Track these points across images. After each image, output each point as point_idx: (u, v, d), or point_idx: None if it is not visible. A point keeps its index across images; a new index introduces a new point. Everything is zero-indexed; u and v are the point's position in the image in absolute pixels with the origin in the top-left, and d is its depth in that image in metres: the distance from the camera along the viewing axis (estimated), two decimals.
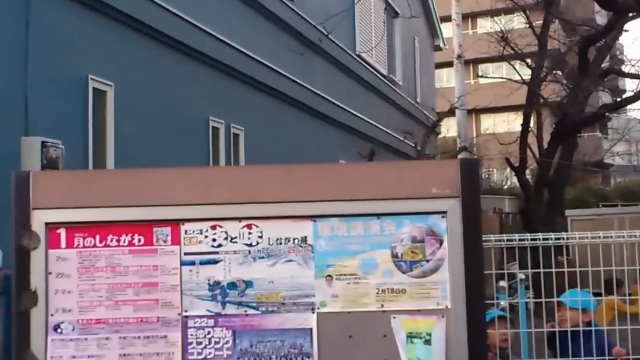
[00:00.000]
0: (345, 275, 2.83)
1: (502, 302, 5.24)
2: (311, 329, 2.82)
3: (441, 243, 2.83)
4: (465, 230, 2.80)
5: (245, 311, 2.85)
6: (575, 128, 17.27)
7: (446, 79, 38.01)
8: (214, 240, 2.87)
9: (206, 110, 8.03)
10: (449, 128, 27.53)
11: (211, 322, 2.85)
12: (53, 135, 5.23)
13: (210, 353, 2.83)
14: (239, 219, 2.88)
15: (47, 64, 5.68)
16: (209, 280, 2.86)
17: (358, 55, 14.38)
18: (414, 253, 2.83)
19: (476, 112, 36.64)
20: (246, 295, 2.85)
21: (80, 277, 2.87)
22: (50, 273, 2.86)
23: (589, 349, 3.80)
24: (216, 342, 2.84)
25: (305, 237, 2.86)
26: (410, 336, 2.79)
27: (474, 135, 31.60)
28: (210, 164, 7.97)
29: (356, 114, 13.25)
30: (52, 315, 2.84)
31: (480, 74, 39.44)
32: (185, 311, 2.85)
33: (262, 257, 2.86)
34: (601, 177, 41.04)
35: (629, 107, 20.93)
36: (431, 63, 23.55)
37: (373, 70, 15.43)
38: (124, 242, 2.88)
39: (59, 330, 2.83)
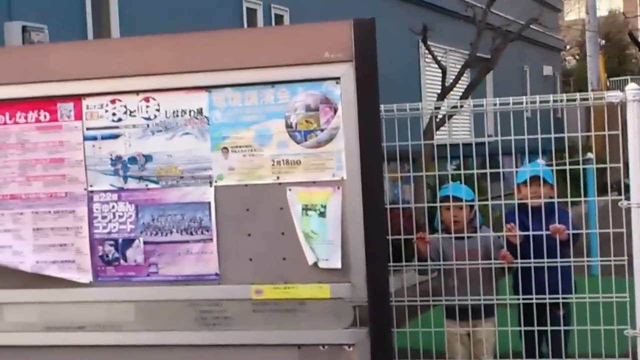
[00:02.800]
0: (240, 147, 2.73)
1: None
2: (209, 203, 2.76)
3: (336, 111, 2.64)
4: (360, 97, 2.59)
5: (147, 185, 2.82)
6: None
7: None
8: (114, 114, 2.83)
9: None
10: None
11: (115, 196, 2.84)
12: (44, 21, 5.19)
13: (115, 227, 2.85)
14: (137, 92, 2.80)
15: None
16: (111, 155, 2.83)
17: None
18: (308, 122, 2.67)
19: None
20: (146, 170, 2.81)
21: None
22: None
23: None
24: (120, 216, 2.84)
25: (201, 108, 2.75)
26: (306, 208, 2.68)
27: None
28: None
29: None
30: None
31: None
32: (91, 186, 2.86)
33: (160, 131, 2.79)
34: None
35: None
36: None
37: None
38: (32, 118, 2.89)
39: None
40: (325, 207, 2.66)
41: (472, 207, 3.68)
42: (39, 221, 2.90)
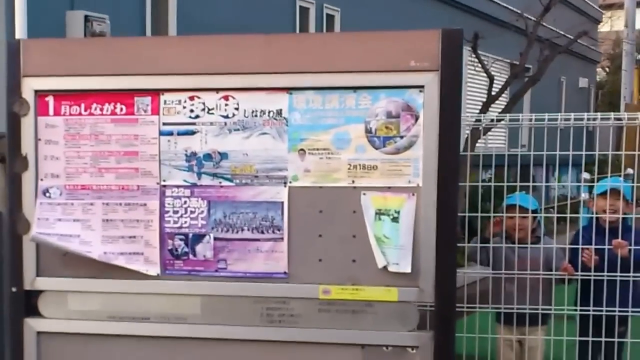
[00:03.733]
0: (318, 149, 2.76)
1: (583, 194, 4.99)
2: (282, 203, 2.79)
3: (417, 119, 2.68)
4: (442, 107, 2.63)
5: (220, 182, 2.85)
6: None
7: None
8: (191, 111, 2.86)
9: None
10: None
11: (187, 192, 2.87)
12: (106, 11, 5.27)
13: (186, 222, 2.88)
14: (217, 89, 2.83)
15: None
16: (186, 150, 2.86)
17: None
18: (388, 129, 2.70)
19: None
20: (221, 167, 2.84)
21: (67, 144, 2.94)
22: (40, 139, 2.95)
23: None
24: (192, 212, 2.87)
25: (280, 109, 2.79)
26: (379, 213, 2.72)
27: None
28: None
29: None
30: (41, 180, 2.95)
31: None
32: (164, 180, 2.89)
33: (238, 129, 2.82)
34: None
35: None
36: None
37: None
38: (107, 111, 2.92)
39: (47, 194, 2.94)
40: (398, 212, 2.70)
41: (535, 216, 3.76)
42: (109, 212, 2.92)
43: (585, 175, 3.87)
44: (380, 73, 2.67)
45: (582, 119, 3.47)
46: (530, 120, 3.49)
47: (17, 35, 4.92)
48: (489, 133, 11.03)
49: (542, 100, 14.91)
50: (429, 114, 2.64)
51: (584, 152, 3.48)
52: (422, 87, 2.65)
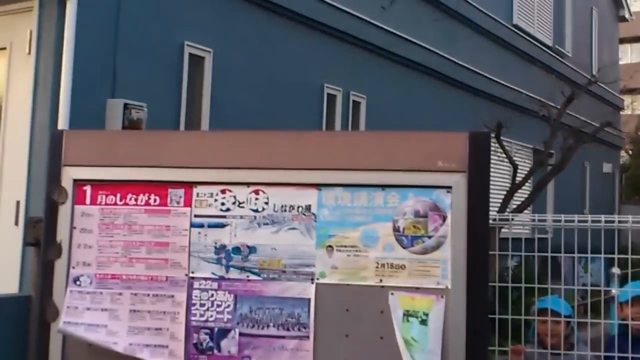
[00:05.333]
0: (345, 246, 2.76)
1: (613, 291, 4.87)
2: (309, 300, 2.77)
3: (444, 219, 2.67)
4: (470, 208, 2.62)
5: (248, 276, 2.85)
6: None
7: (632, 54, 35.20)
8: (222, 204, 2.89)
9: (320, 77, 7.97)
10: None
11: (215, 284, 2.88)
12: (144, 99, 5.47)
13: (212, 316, 2.87)
14: (248, 184, 2.87)
15: (140, 30, 5.88)
16: (215, 243, 2.89)
17: (515, 25, 13.73)
18: (416, 228, 2.69)
19: None
20: (249, 261, 2.85)
21: (101, 233, 2.99)
22: (75, 227, 3.01)
23: None
24: (218, 305, 2.87)
25: (310, 205, 2.80)
26: (407, 314, 2.67)
27: None
28: None
29: (507, 84, 12.71)
30: (73, 267, 2.99)
31: None
32: (192, 272, 2.90)
33: (267, 224, 2.84)
34: None
35: None
36: (614, 35, 21.85)
37: (533, 41, 14.67)
38: (141, 201, 2.97)
39: (78, 282, 2.98)
40: (427, 315, 2.65)
41: (569, 322, 3.65)
42: (137, 303, 2.94)
43: (616, 270, 3.76)
44: (408, 172, 2.69)
45: (612, 221, 3.40)
46: (559, 221, 3.43)
47: (60, 123, 5.11)
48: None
49: (567, 186, 14.79)
50: (457, 215, 2.63)
51: (616, 254, 3.40)
52: (450, 187, 2.65)
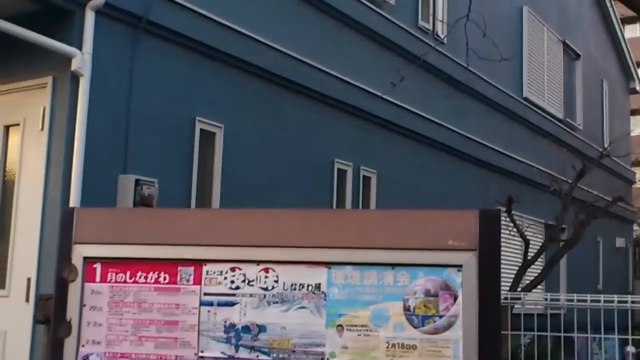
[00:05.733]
0: (356, 326, 2.73)
1: None
2: None
3: (455, 298, 2.65)
4: (481, 287, 2.60)
5: (257, 356, 2.82)
6: None
7: None
8: (232, 282, 2.89)
9: (330, 151, 8.07)
10: None
11: None
12: (156, 175, 5.54)
13: None
14: (257, 262, 2.87)
15: (151, 105, 6.01)
16: (225, 322, 2.87)
17: (525, 99, 13.89)
18: (426, 307, 2.67)
19: None
20: (259, 340, 2.82)
21: (110, 311, 2.98)
22: (85, 305, 3.00)
23: None
24: None
25: (319, 284, 2.79)
26: None
27: None
28: (333, 208, 7.97)
29: (518, 158, 12.78)
30: (83, 346, 2.97)
31: None
32: (201, 352, 2.88)
33: (276, 302, 2.83)
34: None
35: None
36: (625, 107, 21.99)
37: (544, 114, 14.81)
38: (151, 279, 2.97)
39: None
40: None
41: None
42: None
43: (631, 348, 3.69)
44: (418, 251, 2.68)
45: (625, 301, 3.37)
46: (572, 300, 3.40)
47: (72, 199, 5.16)
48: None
49: (579, 261, 14.68)
50: (468, 294, 2.61)
51: (630, 334, 3.35)
52: (460, 266, 2.63)
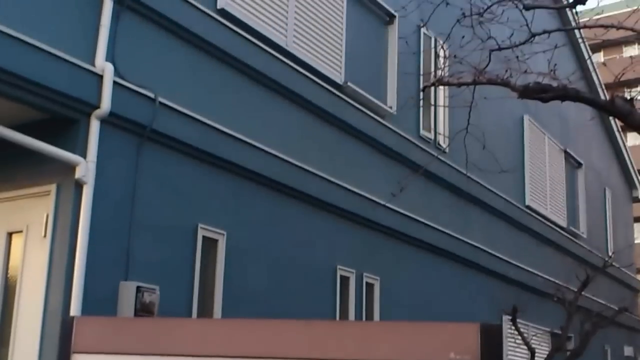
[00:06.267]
0: None
1: None
2: None
3: None
4: None
5: None
6: None
7: None
8: None
9: (333, 258, 8.06)
10: None
11: None
12: (157, 281, 5.52)
13: None
14: None
15: (154, 212, 6.07)
16: None
17: (528, 207, 13.92)
18: None
19: None
20: None
21: None
22: None
23: None
24: None
25: None
26: None
27: None
28: (337, 316, 7.88)
29: (522, 266, 12.71)
30: None
31: None
32: None
33: None
34: None
35: None
36: (628, 215, 21.95)
37: (547, 222, 14.79)
38: None
39: None
40: None
41: None
42: None
43: None
44: None
45: None
46: None
47: (73, 307, 5.13)
48: None
49: None
50: None
51: None
52: None
